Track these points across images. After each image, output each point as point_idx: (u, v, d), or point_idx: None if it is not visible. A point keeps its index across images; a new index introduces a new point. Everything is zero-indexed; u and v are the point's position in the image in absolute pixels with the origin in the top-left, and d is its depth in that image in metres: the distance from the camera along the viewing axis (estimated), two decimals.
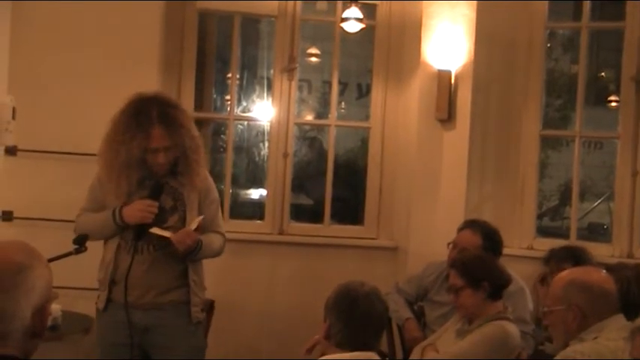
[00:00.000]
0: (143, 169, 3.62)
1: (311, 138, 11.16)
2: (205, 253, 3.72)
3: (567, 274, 3.03)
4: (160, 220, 3.62)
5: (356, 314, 2.81)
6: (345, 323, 2.82)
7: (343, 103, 12.00)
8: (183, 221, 3.67)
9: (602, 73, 12.94)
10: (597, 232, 10.33)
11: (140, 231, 3.60)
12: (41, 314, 2.01)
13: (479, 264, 3.81)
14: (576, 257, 4.33)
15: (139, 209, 3.58)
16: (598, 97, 12.04)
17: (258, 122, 5.74)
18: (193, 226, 3.63)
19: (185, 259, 3.66)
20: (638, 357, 2.38)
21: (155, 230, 3.60)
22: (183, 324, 3.69)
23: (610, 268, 3.41)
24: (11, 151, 4.97)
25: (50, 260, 3.55)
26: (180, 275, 3.69)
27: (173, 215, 3.67)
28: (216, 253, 3.83)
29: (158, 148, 3.56)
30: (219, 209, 3.89)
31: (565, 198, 10.90)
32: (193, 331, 3.74)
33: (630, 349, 2.42)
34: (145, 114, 3.56)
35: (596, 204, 11.61)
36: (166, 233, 3.60)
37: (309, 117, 11.45)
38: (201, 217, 3.67)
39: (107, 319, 3.71)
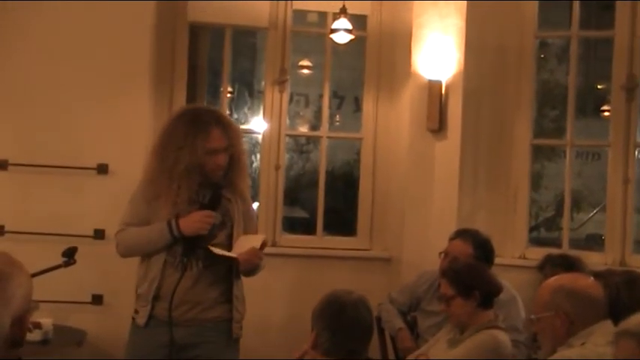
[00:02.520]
0: (202, 176, 3.59)
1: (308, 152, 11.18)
2: (256, 272, 3.72)
3: (554, 280, 3.03)
4: (209, 236, 3.58)
5: (343, 323, 2.81)
6: (332, 332, 2.81)
7: (339, 116, 12.02)
8: (230, 238, 3.65)
9: (599, 85, 12.97)
10: (595, 242, 10.32)
11: (194, 243, 3.55)
12: (20, 324, 2.00)
13: (469, 273, 3.81)
14: (570, 265, 4.33)
15: (197, 220, 3.53)
16: (594, 107, 12.07)
17: (250, 134, 5.75)
18: (257, 244, 3.62)
19: (234, 274, 3.64)
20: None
21: (217, 251, 3.55)
22: (223, 341, 3.66)
23: (599, 275, 3.41)
24: (2, 165, 4.97)
25: (40, 273, 3.60)
26: (224, 291, 3.66)
27: (222, 231, 3.65)
28: (258, 272, 3.79)
29: (218, 148, 3.56)
30: (257, 227, 3.92)
31: (561, 208, 10.90)
32: (232, 347, 3.72)
33: (615, 351, 2.41)
34: (201, 118, 3.60)
35: (592, 214, 11.63)
36: (230, 253, 3.56)
37: (305, 130, 11.49)
38: (264, 236, 3.70)
39: (146, 336, 3.62)
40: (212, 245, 3.57)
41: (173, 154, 3.54)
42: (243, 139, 3.79)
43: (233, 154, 3.64)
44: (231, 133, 3.64)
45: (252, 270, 3.67)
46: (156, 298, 3.59)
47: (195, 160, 3.53)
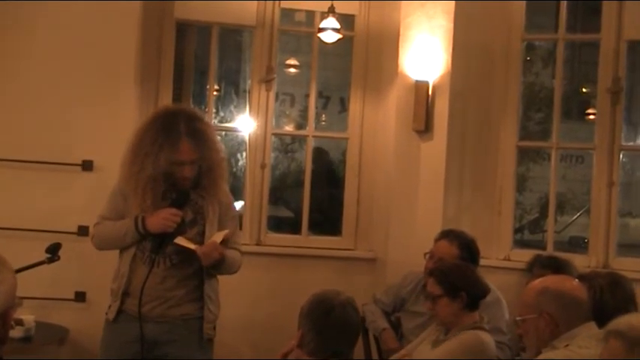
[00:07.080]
0: (168, 182, 3.59)
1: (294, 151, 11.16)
2: (225, 269, 3.70)
3: (539, 282, 3.04)
4: (179, 232, 3.58)
5: (330, 324, 2.81)
6: (318, 332, 2.81)
7: (324, 116, 12.00)
8: (202, 235, 3.64)
9: (584, 88, 13.02)
10: (579, 245, 10.35)
11: (162, 240, 3.55)
12: (3, 320, 1.98)
13: (458, 274, 3.81)
14: (558, 267, 4.34)
15: (163, 217, 3.54)
16: (579, 110, 12.12)
17: (236, 133, 5.73)
18: (219, 239, 3.60)
19: (204, 273, 3.63)
20: (607, 358, 2.39)
21: (180, 241, 3.56)
22: (194, 339, 3.65)
23: (583, 277, 3.43)
24: None
25: (23, 269, 3.56)
26: (194, 289, 3.65)
27: (192, 228, 3.65)
28: (234, 270, 3.78)
29: (185, 161, 3.55)
30: (238, 226, 3.89)
31: (545, 211, 10.94)
32: (203, 347, 3.71)
33: (602, 349, 2.42)
34: (174, 127, 3.55)
35: (575, 217, 11.66)
36: (191, 245, 3.56)
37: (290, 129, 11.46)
38: (227, 231, 3.66)
39: (117, 331, 3.65)
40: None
41: (140, 159, 3.55)
42: (220, 150, 3.71)
43: (203, 165, 3.62)
44: (203, 146, 3.59)
45: (217, 266, 3.63)
46: (126, 293, 3.62)
47: (159, 169, 3.53)
